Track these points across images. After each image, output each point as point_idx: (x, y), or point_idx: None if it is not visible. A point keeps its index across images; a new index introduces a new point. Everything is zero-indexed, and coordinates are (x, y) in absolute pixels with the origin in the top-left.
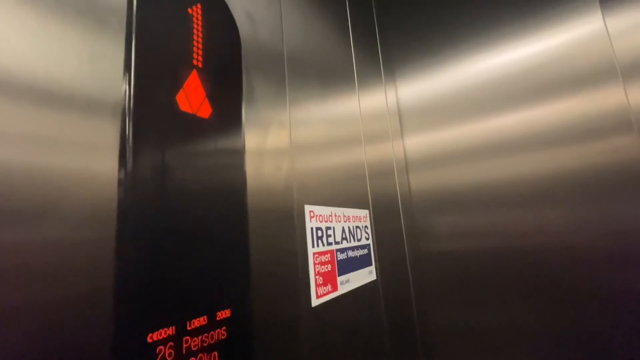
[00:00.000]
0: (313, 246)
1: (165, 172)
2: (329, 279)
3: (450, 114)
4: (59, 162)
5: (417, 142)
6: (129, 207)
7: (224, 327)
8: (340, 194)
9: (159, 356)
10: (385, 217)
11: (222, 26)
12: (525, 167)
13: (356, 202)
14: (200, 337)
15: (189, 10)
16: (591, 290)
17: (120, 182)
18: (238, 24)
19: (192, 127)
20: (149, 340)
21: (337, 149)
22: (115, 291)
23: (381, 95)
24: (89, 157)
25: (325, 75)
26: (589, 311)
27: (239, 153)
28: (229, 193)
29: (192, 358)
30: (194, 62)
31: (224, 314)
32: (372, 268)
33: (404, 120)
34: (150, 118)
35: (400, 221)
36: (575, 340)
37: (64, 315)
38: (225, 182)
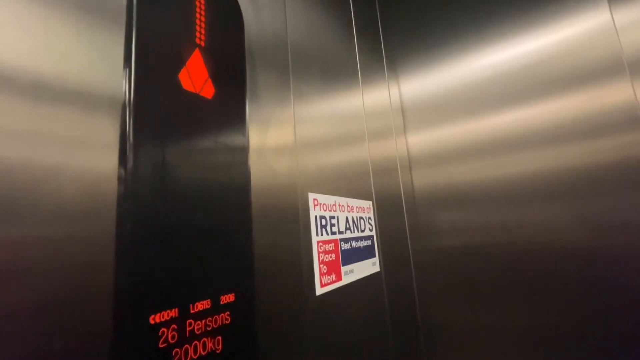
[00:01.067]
0: (317, 234)
1: (168, 152)
2: (333, 269)
3: (454, 111)
4: (60, 139)
5: (420, 139)
6: (133, 190)
7: (228, 312)
8: (344, 190)
9: (162, 338)
10: (388, 212)
11: (225, 7)
12: (530, 164)
13: (360, 198)
14: (204, 321)
15: None
16: (596, 288)
17: (122, 162)
18: (242, 9)
19: (195, 106)
20: (151, 322)
21: (340, 144)
22: (119, 273)
23: (384, 91)
24: (89, 135)
25: (329, 69)
26: (594, 309)
27: (243, 136)
28: (233, 178)
29: (196, 342)
30: (197, 40)
31: (227, 298)
32: (376, 260)
33: (407, 116)
34: (153, 95)
35: (404, 217)
36: (579, 337)
37: (68, 297)
38: (228, 166)
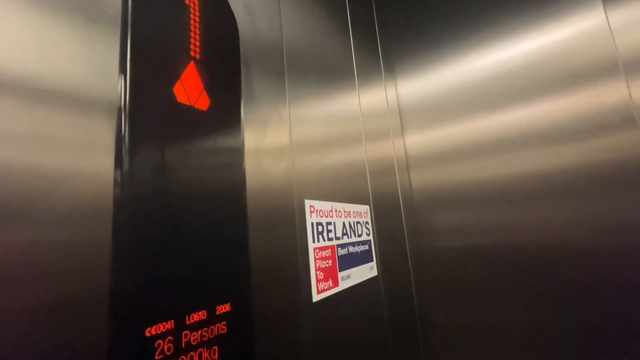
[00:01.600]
0: (314, 241)
1: (163, 164)
2: (329, 275)
3: (451, 111)
4: (56, 153)
5: (418, 140)
6: (127, 202)
7: (224, 322)
8: (341, 191)
9: (158, 350)
10: (386, 214)
11: (220, 17)
12: (526, 164)
13: (357, 199)
14: (199, 332)
15: (186, 0)
16: (593, 288)
17: (117, 175)
18: (236, 16)
19: (189, 119)
20: (147, 334)
21: (337, 146)
22: (113, 286)
23: (381, 92)
24: (85, 148)
25: (325, 71)
26: (590, 308)
27: (238, 146)
28: (228, 187)
29: (192, 352)
30: (192, 53)
31: (223, 308)
32: (373, 264)
33: (404, 117)
34: (148, 109)
35: (402, 218)
36: (577, 337)
37: (63, 310)
38: (224, 175)
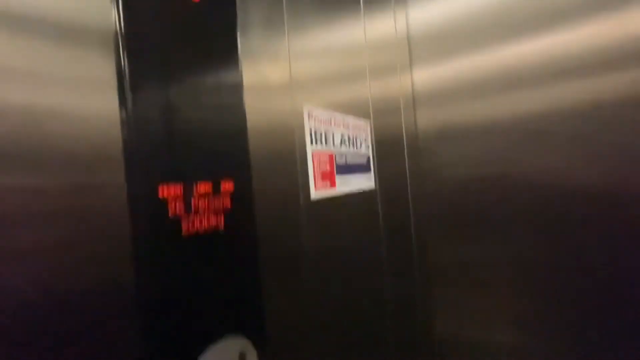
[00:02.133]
0: (312, 144)
1: (161, 60)
2: (327, 176)
3: (465, 41)
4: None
5: (428, 74)
6: (133, 94)
7: (228, 198)
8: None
9: (171, 210)
10: (387, 129)
11: None
12: (540, 101)
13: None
14: (207, 200)
15: None
16: (595, 225)
17: (119, 76)
18: None
19: (182, 10)
20: (160, 196)
21: (340, 80)
22: (127, 149)
23: (389, 20)
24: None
25: None
26: (591, 246)
27: (233, 40)
28: (226, 85)
29: (202, 217)
30: None
31: (227, 186)
32: (371, 175)
33: (413, 48)
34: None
35: (404, 148)
36: (576, 273)
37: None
38: (219, 69)
